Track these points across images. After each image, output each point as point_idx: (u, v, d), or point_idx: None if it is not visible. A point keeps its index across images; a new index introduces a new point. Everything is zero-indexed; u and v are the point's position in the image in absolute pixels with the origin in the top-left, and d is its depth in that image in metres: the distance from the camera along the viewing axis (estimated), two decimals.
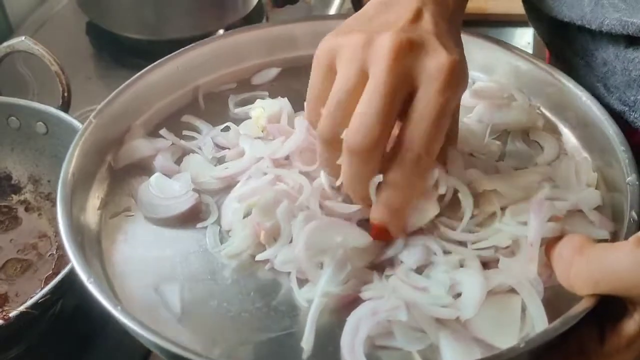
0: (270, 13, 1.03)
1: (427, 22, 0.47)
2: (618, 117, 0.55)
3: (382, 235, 0.46)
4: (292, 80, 0.62)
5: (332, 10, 1.05)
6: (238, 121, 0.59)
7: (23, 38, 0.71)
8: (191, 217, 0.52)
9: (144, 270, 0.48)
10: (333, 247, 0.45)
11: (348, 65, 0.45)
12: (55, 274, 0.60)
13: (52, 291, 0.54)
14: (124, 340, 0.60)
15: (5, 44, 0.72)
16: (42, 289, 0.54)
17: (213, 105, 0.61)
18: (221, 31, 0.97)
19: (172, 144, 0.57)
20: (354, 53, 0.45)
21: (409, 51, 0.44)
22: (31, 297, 0.54)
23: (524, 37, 0.99)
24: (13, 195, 0.72)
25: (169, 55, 0.60)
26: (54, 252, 0.66)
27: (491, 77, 0.62)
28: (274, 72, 0.63)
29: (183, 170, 0.55)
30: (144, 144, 0.56)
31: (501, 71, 0.61)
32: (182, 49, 0.61)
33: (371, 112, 0.43)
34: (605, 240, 0.47)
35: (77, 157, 0.52)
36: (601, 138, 0.52)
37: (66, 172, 0.50)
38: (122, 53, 0.96)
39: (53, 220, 0.69)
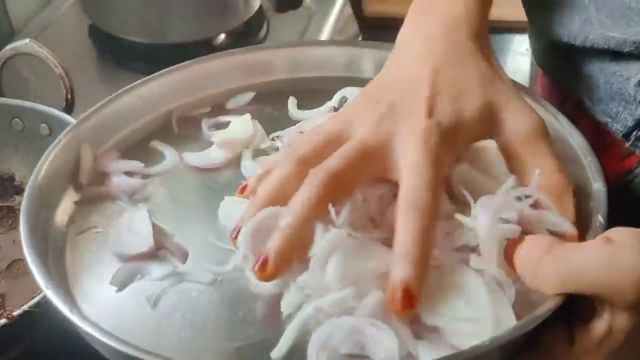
0: (271, 18, 1.04)
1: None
2: (599, 128, 0.56)
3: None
4: (265, 104, 0.62)
5: (333, 16, 1.05)
6: (211, 144, 0.58)
7: (28, 40, 0.72)
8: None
9: (108, 290, 0.48)
10: (366, 275, 0.43)
11: None
12: None
13: None
14: None
15: (9, 46, 0.73)
16: None
17: (187, 129, 0.61)
18: (222, 36, 0.98)
19: (142, 165, 0.56)
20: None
21: (385, 121, 0.45)
22: (34, 297, 0.55)
23: (524, 44, 0.99)
24: (16, 196, 0.73)
25: (143, 79, 0.60)
26: None
27: None
28: (248, 96, 0.63)
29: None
30: (113, 164, 0.56)
31: None
32: (157, 73, 0.61)
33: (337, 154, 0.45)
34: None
35: (44, 174, 0.52)
36: (568, 150, 0.52)
37: (33, 188, 0.51)
38: (124, 56, 0.97)
39: None
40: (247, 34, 1.00)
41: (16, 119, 0.72)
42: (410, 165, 0.44)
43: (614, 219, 0.46)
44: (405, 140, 0.45)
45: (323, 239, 0.43)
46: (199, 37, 0.95)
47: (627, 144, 0.55)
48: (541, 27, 0.61)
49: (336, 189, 0.44)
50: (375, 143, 0.45)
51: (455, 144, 0.46)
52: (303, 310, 0.44)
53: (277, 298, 0.46)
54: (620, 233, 0.39)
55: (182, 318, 0.46)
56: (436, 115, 0.45)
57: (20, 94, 0.78)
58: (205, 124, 0.60)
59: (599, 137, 0.58)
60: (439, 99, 0.46)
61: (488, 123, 0.47)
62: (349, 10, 1.08)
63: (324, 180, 0.43)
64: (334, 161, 0.44)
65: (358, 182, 0.45)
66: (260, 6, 1.02)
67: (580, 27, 0.55)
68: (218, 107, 0.62)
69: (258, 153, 0.57)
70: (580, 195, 0.50)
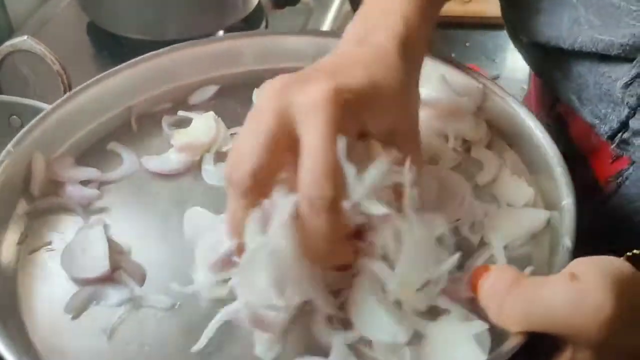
0: (270, 14, 1.04)
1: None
2: (591, 130, 0.55)
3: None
4: (230, 98, 0.59)
5: (332, 12, 1.04)
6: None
7: (25, 37, 0.72)
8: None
9: (62, 316, 0.46)
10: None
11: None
12: None
13: None
14: None
15: (7, 43, 0.74)
16: None
17: (147, 127, 0.58)
18: (221, 32, 0.98)
19: (98, 173, 0.54)
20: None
21: (287, 88, 0.42)
22: None
23: None
24: None
25: (99, 76, 0.57)
26: None
27: (426, 90, 0.55)
28: (211, 90, 0.60)
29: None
30: (68, 172, 0.54)
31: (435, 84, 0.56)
32: (115, 68, 0.58)
33: (247, 145, 0.41)
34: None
35: None
36: (540, 157, 0.50)
37: None
38: (122, 53, 0.96)
39: None
40: (245, 31, 0.99)
41: (14, 116, 0.72)
42: (308, 148, 0.40)
43: (606, 221, 0.46)
44: (304, 111, 0.41)
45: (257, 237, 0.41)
46: (197, 34, 0.94)
47: (612, 146, 0.54)
48: (529, 28, 0.59)
49: (260, 187, 0.41)
50: (277, 121, 0.41)
51: (359, 114, 0.42)
52: (233, 305, 0.42)
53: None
54: (585, 269, 0.38)
55: (139, 350, 0.44)
56: (339, 78, 0.42)
57: (18, 91, 0.78)
58: (165, 122, 0.57)
59: (590, 139, 0.57)
60: (346, 71, 0.43)
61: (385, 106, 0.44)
62: (347, 7, 1.06)
63: (245, 188, 0.41)
64: (246, 162, 0.41)
65: (280, 166, 0.42)
66: (259, 2, 1.01)
67: (569, 28, 0.54)
68: (179, 103, 0.59)
69: (220, 156, 0.54)
70: (551, 206, 0.48)
